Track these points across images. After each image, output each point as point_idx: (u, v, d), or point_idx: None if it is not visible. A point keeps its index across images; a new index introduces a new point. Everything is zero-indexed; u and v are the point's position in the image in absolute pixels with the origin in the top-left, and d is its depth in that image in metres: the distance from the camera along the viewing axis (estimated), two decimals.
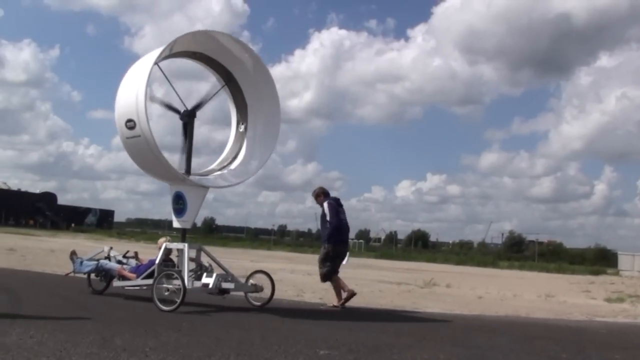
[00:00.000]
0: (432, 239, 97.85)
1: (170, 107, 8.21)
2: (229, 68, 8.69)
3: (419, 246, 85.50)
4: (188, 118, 8.22)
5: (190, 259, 7.88)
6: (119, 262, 8.59)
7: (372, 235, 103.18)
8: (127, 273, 8.16)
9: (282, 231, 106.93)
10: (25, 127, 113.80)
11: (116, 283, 8.25)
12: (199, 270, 7.88)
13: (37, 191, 77.75)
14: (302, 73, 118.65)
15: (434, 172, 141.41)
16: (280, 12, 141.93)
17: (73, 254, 8.90)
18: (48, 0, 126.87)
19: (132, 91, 7.53)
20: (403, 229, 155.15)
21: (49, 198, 76.73)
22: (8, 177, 77.09)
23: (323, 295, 10.19)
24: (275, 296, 8.31)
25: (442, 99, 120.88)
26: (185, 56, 8.50)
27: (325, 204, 8.97)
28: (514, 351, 5.91)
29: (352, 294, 8.82)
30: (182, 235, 8.17)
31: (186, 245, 7.82)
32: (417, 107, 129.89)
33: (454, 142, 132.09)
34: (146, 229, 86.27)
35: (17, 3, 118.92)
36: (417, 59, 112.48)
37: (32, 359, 4.04)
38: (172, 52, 8.11)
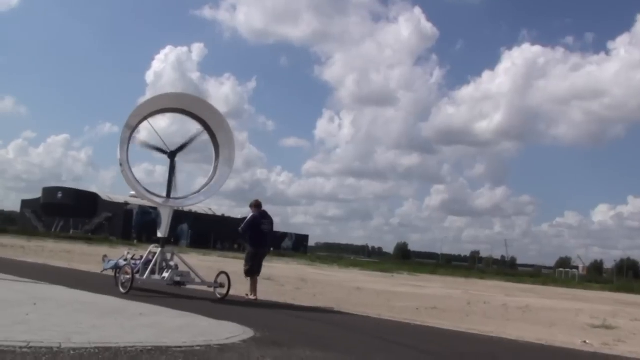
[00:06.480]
0: None
1: (157, 149, 11.30)
2: (204, 118, 11.54)
3: (630, 276, 78.18)
4: (171, 157, 11.25)
5: (165, 260, 10.83)
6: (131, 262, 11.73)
7: (573, 263, 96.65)
8: (126, 269, 11.24)
9: (474, 258, 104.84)
10: None
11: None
12: (165, 267, 10.74)
13: (238, 216, 78.07)
14: (491, 93, 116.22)
15: (638, 195, 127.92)
16: (470, 34, 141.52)
17: (105, 256, 12.34)
18: (246, 35, 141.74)
19: (120, 138, 10.84)
20: (600, 256, 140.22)
21: None
22: (209, 203, 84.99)
23: None
24: None
25: None
26: (170, 112, 11.56)
27: (249, 217, 11.38)
28: None
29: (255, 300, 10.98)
30: (162, 243, 11.07)
31: (159, 250, 10.79)
32: (619, 124, 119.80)
33: None
34: (341, 254, 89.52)
35: (219, 40, 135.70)
36: (619, 73, 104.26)
37: None
38: (157, 110, 11.24)
